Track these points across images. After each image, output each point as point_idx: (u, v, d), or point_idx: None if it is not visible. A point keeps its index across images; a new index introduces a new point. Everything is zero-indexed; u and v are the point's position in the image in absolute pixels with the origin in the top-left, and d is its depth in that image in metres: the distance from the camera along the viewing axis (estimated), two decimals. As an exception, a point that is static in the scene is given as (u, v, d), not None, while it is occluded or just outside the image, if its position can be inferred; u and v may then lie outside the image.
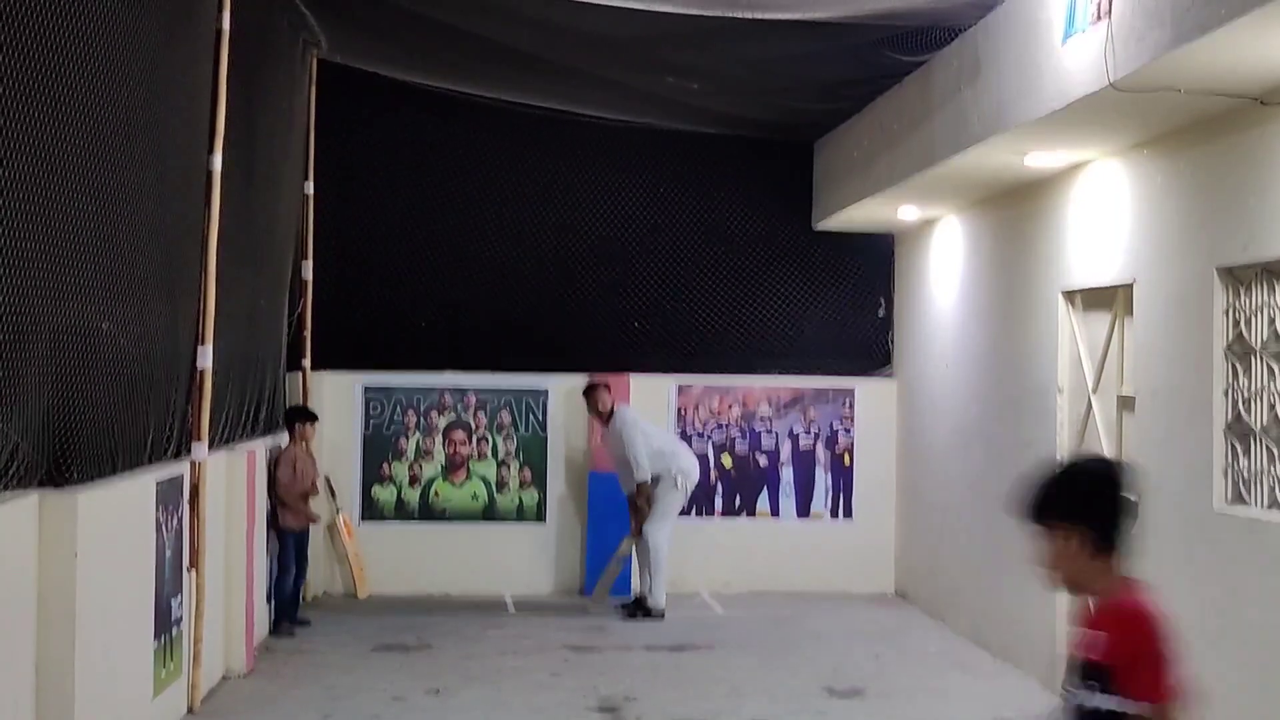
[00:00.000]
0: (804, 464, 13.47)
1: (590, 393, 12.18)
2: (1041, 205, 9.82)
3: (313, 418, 11.40)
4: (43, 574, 6.09)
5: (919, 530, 12.75)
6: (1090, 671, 3.72)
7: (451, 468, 13.03)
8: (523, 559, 12.99)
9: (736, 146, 13.47)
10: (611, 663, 10.13)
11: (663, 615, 11.79)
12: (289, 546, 10.92)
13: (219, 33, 8.75)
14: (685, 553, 12.90)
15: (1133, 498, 3.77)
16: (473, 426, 13.05)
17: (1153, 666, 3.65)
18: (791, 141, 13.47)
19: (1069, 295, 9.44)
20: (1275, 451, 6.99)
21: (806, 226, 13.62)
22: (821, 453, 13.48)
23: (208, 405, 8.48)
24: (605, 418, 12.11)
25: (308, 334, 12.39)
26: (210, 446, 8.55)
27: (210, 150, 8.65)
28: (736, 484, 13.40)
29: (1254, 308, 7.22)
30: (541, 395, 13.10)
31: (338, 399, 12.75)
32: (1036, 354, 9.88)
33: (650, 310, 13.48)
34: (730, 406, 13.43)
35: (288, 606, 10.99)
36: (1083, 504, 3.76)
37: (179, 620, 8.01)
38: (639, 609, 11.84)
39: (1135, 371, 8.43)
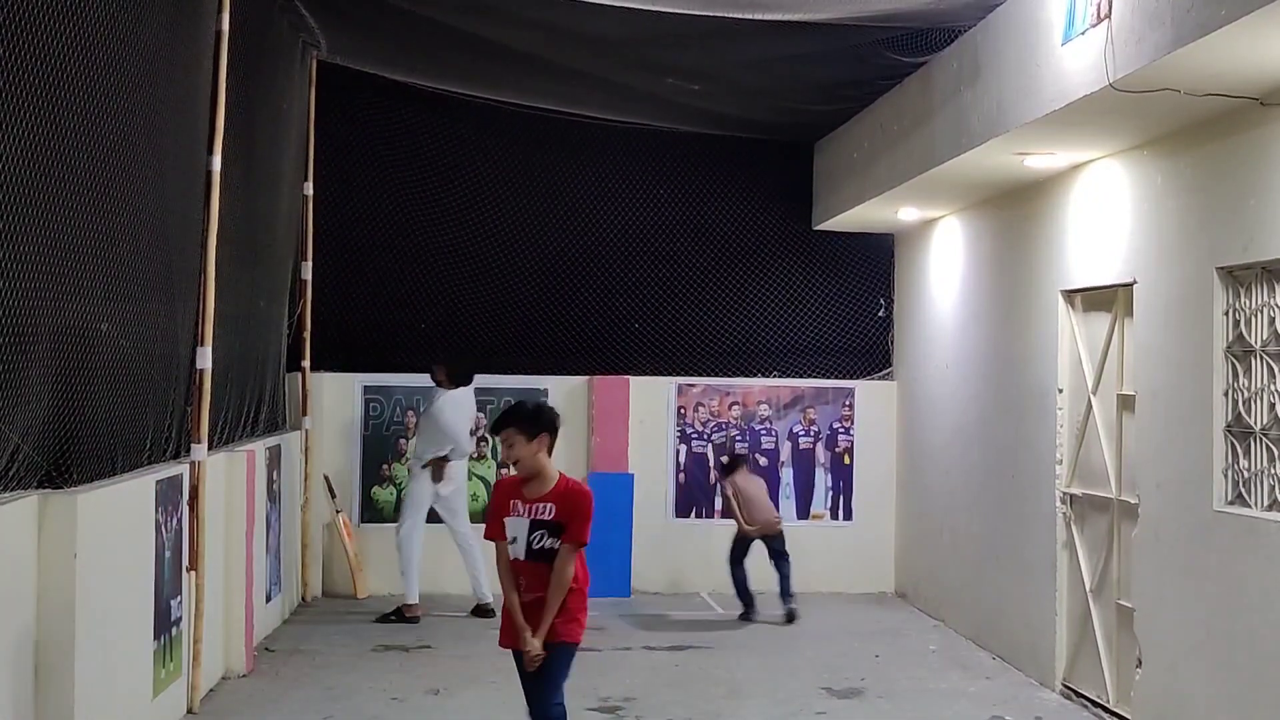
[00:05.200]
0: (804, 464, 13.46)
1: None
2: (1041, 206, 9.82)
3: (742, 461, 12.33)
4: (43, 574, 6.09)
5: (919, 530, 12.75)
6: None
7: (451, 468, 13.00)
8: (523, 559, 12.94)
9: (737, 147, 13.47)
10: (611, 663, 10.13)
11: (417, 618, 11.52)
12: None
13: (219, 34, 8.75)
14: (685, 553, 12.92)
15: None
16: (472, 427, 13.02)
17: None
18: (791, 142, 13.47)
19: (1069, 295, 9.44)
20: (1275, 451, 6.99)
21: (806, 227, 13.62)
22: (821, 453, 13.48)
23: (207, 406, 8.48)
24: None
25: (307, 335, 12.39)
26: (210, 447, 8.55)
27: (210, 151, 8.65)
28: (736, 484, 13.38)
29: (1254, 308, 7.23)
30: (541, 396, 13.09)
31: (337, 400, 12.74)
32: (1036, 354, 9.88)
33: (650, 310, 13.48)
34: (730, 407, 13.43)
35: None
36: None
37: (179, 621, 8.01)
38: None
39: (1135, 372, 8.43)
